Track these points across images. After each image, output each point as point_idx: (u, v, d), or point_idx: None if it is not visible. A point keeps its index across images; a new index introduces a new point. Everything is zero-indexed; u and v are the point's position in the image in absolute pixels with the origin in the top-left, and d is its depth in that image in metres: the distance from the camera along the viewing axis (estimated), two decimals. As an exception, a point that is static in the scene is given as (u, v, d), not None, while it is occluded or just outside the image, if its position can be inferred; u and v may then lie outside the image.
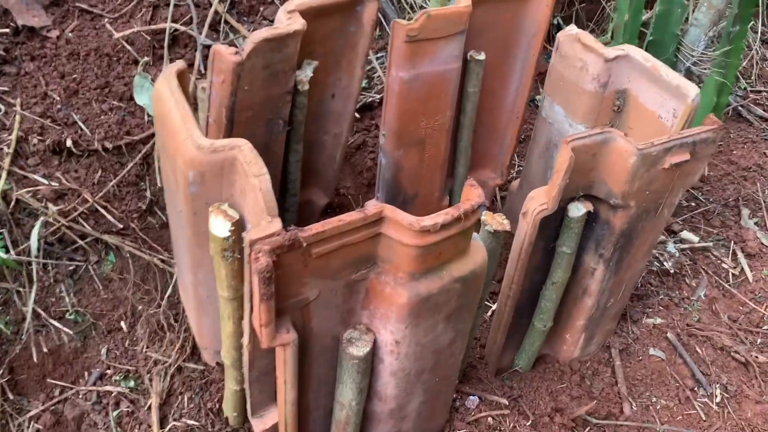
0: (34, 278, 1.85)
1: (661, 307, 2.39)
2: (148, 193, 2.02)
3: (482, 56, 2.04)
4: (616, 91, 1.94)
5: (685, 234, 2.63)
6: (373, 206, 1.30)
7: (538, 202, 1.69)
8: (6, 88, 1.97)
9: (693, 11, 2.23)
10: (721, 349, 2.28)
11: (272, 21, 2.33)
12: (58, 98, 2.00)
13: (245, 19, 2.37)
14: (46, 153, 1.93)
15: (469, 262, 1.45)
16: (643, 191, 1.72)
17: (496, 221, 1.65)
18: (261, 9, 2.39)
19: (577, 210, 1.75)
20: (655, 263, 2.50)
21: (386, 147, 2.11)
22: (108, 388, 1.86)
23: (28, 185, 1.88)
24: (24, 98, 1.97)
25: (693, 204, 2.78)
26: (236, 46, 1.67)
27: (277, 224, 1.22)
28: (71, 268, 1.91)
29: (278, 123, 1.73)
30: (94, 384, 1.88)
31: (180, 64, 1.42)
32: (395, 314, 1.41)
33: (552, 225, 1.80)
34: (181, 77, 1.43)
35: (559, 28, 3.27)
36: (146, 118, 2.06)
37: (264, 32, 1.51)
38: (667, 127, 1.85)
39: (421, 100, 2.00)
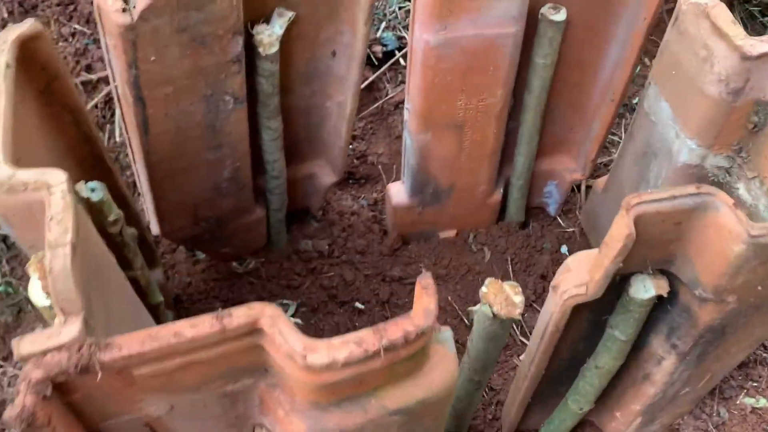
0: (-45, 242, 1.54)
1: (771, 384, 1.73)
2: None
3: (561, 15, 1.38)
4: (756, 102, 1.24)
5: (838, 280, 1.87)
6: (242, 313, 0.80)
7: (575, 280, 1.10)
8: (-52, -4, 1.58)
9: None
10: None
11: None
12: (9, 14, 1.59)
13: None
14: (-18, 86, 1.54)
15: (419, 386, 0.93)
16: (753, 287, 1.08)
17: (501, 301, 1.10)
18: None
19: (644, 290, 1.15)
20: (779, 319, 1.80)
21: (410, 126, 1.55)
22: (32, 378, 1.56)
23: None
24: (-31, 11, 1.58)
25: None
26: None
27: (70, 330, 0.77)
28: (4, 231, 1.59)
29: (224, 99, 1.23)
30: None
31: (27, 26, 0.94)
32: (293, 445, 0.95)
33: (606, 293, 1.22)
34: (34, 46, 0.96)
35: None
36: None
37: (166, -18, 0.98)
38: (827, 178, 1.15)
39: (457, 73, 1.40)
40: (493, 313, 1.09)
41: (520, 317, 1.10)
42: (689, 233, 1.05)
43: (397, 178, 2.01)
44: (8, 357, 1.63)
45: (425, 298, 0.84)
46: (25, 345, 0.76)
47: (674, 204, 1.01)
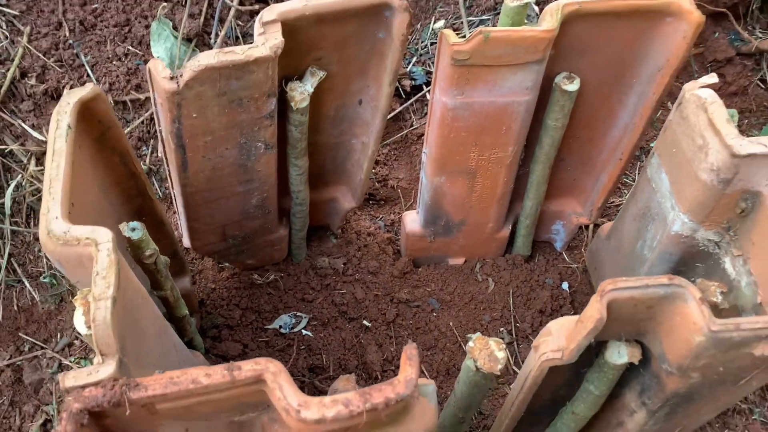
0: (8, 236, 1.71)
1: (747, 433, 1.84)
2: (147, 161, 1.76)
3: (574, 86, 1.47)
4: (744, 191, 1.33)
5: (827, 340, 1.96)
6: (250, 368, 0.95)
7: (554, 345, 1.22)
8: (18, 12, 1.73)
9: None
10: None
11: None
12: (70, 32, 1.74)
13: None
14: (42, 98, 1.71)
15: (401, 432, 1.07)
16: (714, 367, 1.19)
17: (485, 355, 1.23)
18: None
19: (617, 355, 1.27)
20: (763, 374, 1.90)
21: (427, 169, 1.67)
22: (68, 362, 1.75)
23: (15, 133, 1.69)
24: (36, 25, 1.73)
25: None
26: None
27: (107, 369, 0.92)
28: (51, 229, 1.75)
29: (256, 146, 1.36)
30: (61, 350, 1.78)
31: (87, 90, 1.08)
32: (286, 472, 1.10)
33: (585, 351, 1.33)
34: (92, 106, 1.10)
35: (765, 1, 2.41)
36: (160, 72, 1.76)
37: (210, 57, 1.11)
38: (798, 272, 1.24)
39: (471, 131, 1.51)
40: (477, 367, 1.22)
41: (500, 372, 1.23)
42: (660, 315, 1.16)
43: (416, 202, 2.13)
44: (48, 340, 1.81)
45: (408, 368, 0.98)
46: (68, 379, 0.91)
47: (647, 292, 1.11)
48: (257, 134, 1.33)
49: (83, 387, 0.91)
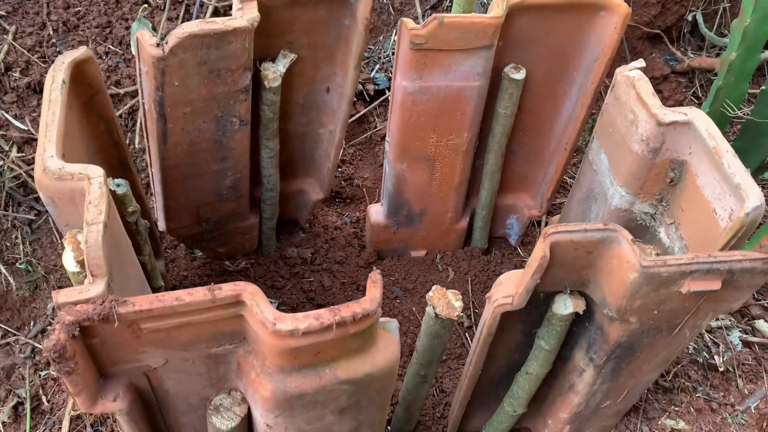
0: (-15, 221, 1.78)
1: (691, 409, 1.96)
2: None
3: (521, 75, 1.63)
4: (672, 161, 1.49)
5: (761, 324, 2.11)
6: (229, 288, 1.04)
7: (504, 292, 1.34)
8: (4, 12, 1.84)
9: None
10: (750, 483, 1.85)
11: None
12: (54, 32, 1.85)
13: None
14: (25, 91, 1.80)
15: (366, 362, 1.16)
16: (649, 310, 1.32)
17: (443, 303, 1.34)
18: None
19: (564, 307, 1.39)
20: (703, 353, 2.04)
21: (390, 156, 1.80)
22: (41, 346, 1.79)
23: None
24: (21, 25, 1.84)
25: (789, 286, 2.22)
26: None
27: (97, 288, 1.01)
28: (30, 217, 1.83)
29: (232, 121, 1.48)
30: (34, 337, 1.82)
31: (80, 52, 1.19)
32: (261, 403, 1.18)
33: (536, 309, 1.45)
34: (84, 67, 1.21)
35: (695, 24, 2.66)
36: (139, 69, 1.87)
37: (193, 26, 1.23)
38: (720, 228, 1.39)
39: (430, 116, 1.65)
40: (436, 314, 1.33)
41: (456, 318, 1.33)
42: (599, 261, 1.29)
43: (379, 201, 2.25)
44: (21, 327, 1.85)
45: (373, 289, 1.08)
46: (61, 296, 0.99)
47: (585, 236, 1.25)
48: (233, 108, 1.45)
49: (75, 304, 1.00)
